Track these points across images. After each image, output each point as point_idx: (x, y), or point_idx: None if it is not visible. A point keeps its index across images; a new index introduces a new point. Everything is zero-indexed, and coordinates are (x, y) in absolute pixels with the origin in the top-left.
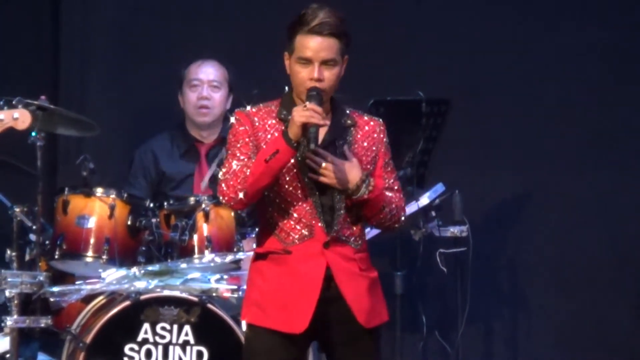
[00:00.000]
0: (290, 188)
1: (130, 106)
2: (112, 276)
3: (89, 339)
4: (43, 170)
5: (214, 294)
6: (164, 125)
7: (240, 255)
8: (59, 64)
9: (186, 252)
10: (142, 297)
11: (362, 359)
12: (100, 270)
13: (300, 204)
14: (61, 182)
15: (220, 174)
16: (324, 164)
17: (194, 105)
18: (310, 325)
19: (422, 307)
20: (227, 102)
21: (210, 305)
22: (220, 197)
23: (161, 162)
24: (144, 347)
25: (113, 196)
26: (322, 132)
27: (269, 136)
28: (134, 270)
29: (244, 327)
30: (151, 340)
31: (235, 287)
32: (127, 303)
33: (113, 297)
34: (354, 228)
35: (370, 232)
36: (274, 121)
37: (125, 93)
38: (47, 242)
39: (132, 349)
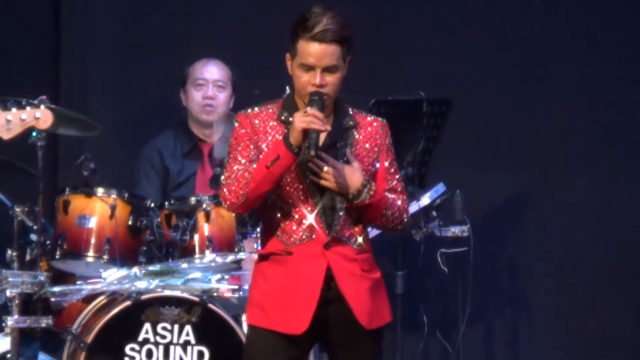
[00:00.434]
0: (292, 189)
1: (131, 106)
2: (113, 276)
3: (89, 339)
4: (44, 170)
5: (214, 294)
6: (165, 124)
7: (241, 255)
8: (60, 63)
9: (187, 252)
10: (143, 297)
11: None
12: (101, 270)
13: (301, 205)
14: (62, 182)
15: (222, 178)
16: (325, 168)
17: (199, 104)
18: (311, 326)
19: (423, 307)
20: (230, 102)
21: (211, 305)
22: (222, 202)
23: (166, 159)
24: (145, 347)
25: (114, 196)
26: (323, 134)
27: (269, 138)
28: (135, 270)
29: (244, 327)
30: (152, 340)
31: (236, 287)
32: (128, 303)
33: (114, 297)
34: (356, 229)
35: (372, 232)
36: (274, 123)
37: (125, 92)
38: (48, 242)
39: (133, 349)
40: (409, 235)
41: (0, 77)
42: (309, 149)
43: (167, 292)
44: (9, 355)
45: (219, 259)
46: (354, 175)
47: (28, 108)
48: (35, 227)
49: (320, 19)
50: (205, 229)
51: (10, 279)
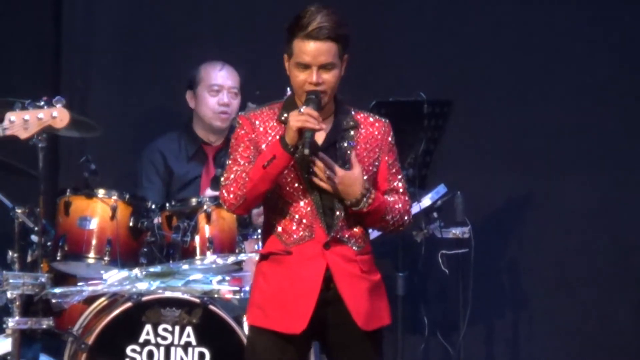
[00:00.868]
0: (291, 189)
1: (132, 107)
2: (113, 277)
3: (90, 340)
4: (45, 171)
5: (215, 295)
6: (166, 126)
7: (242, 256)
8: (61, 64)
9: (188, 254)
10: (144, 298)
11: None
12: (102, 271)
13: (300, 204)
14: (63, 184)
15: (222, 179)
16: (327, 172)
17: (214, 110)
18: (310, 326)
19: (424, 308)
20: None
21: (212, 307)
22: (222, 203)
23: (169, 161)
24: (146, 349)
25: (115, 197)
26: (323, 134)
27: (269, 139)
28: (136, 271)
29: (245, 328)
30: (153, 341)
31: (237, 288)
32: (129, 304)
33: (115, 299)
34: (355, 229)
35: (372, 233)
36: (274, 124)
37: (126, 94)
38: (49, 243)
39: (134, 351)
40: (409, 236)
41: (1, 78)
42: (303, 148)
43: (168, 294)
44: (9, 357)
45: (219, 261)
46: (353, 184)
47: (45, 107)
48: (36, 229)
49: (314, 17)
50: (206, 230)
51: (11, 281)
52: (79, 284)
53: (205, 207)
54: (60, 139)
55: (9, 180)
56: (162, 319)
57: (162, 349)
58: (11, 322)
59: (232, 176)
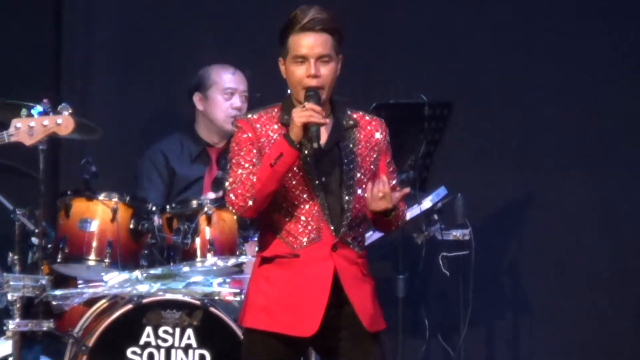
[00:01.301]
0: (297, 191)
1: (133, 110)
2: (114, 279)
3: (91, 342)
4: (45, 173)
5: (216, 298)
6: (167, 128)
7: (242, 258)
8: (61, 67)
9: (188, 256)
10: (145, 300)
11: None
12: (102, 273)
13: (307, 206)
14: (63, 186)
15: (226, 184)
16: (381, 186)
17: (227, 114)
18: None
19: (425, 310)
20: None
21: (212, 309)
22: (230, 207)
23: (172, 163)
24: (147, 351)
25: (115, 199)
26: (325, 134)
27: (272, 141)
28: (137, 273)
29: None
30: (153, 343)
31: (237, 290)
32: (129, 306)
33: (115, 301)
34: (358, 231)
35: (373, 236)
36: (276, 126)
37: (127, 96)
38: (49, 245)
39: (134, 353)
40: (410, 238)
41: (1, 81)
42: (310, 142)
43: (168, 296)
44: (10, 359)
45: (220, 263)
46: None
47: (50, 114)
48: (36, 231)
49: (307, 12)
50: (207, 232)
51: (11, 283)
52: (80, 286)
53: (206, 209)
54: (61, 141)
55: (10, 182)
56: (162, 321)
57: (162, 351)
58: (12, 324)
59: (237, 179)
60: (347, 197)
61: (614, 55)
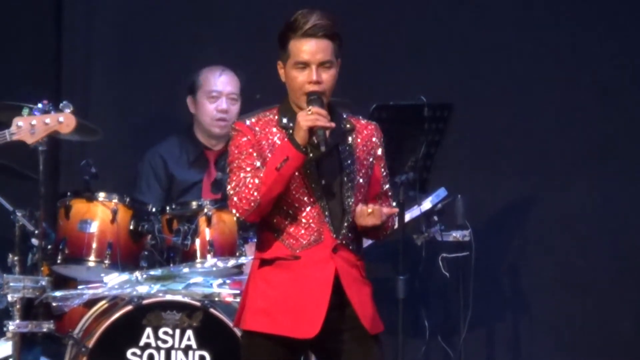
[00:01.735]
0: (297, 194)
1: (133, 111)
2: (114, 281)
3: (91, 343)
4: (45, 174)
5: (216, 299)
6: (167, 130)
7: (242, 259)
8: (61, 68)
9: (188, 257)
10: (145, 301)
11: None
12: (102, 274)
13: (308, 209)
14: (63, 187)
15: (228, 188)
16: (370, 209)
17: (212, 117)
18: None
19: (425, 311)
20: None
21: (212, 310)
22: (234, 211)
23: (170, 166)
24: (147, 352)
25: (115, 200)
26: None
27: (272, 145)
28: (137, 274)
29: None
30: (153, 344)
31: (237, 291)
32: (129, 308)
33: (115, 302)
34: (356, 234)
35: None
36: (275, 130)
37: (127, 98)
38: (49, 246)
39: (134, 354)
40: (410, 239)
41: (2, 81)
42: (317, 146)
43: (168, 297)
44: None
45: (220, 264)
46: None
47: (52, 112)
48: (36, 232)
49: (309, 17)
50: (207, 233)
51: (11, 284)
52: (80, 287)
53: (205, 210)
54: (60, 143)
55: (10, 184)
56: (162, 322)
57: (162, 352)
58: (12, 326)
59: (241, 183)
60: (348, 200)
61: (616, 56)
